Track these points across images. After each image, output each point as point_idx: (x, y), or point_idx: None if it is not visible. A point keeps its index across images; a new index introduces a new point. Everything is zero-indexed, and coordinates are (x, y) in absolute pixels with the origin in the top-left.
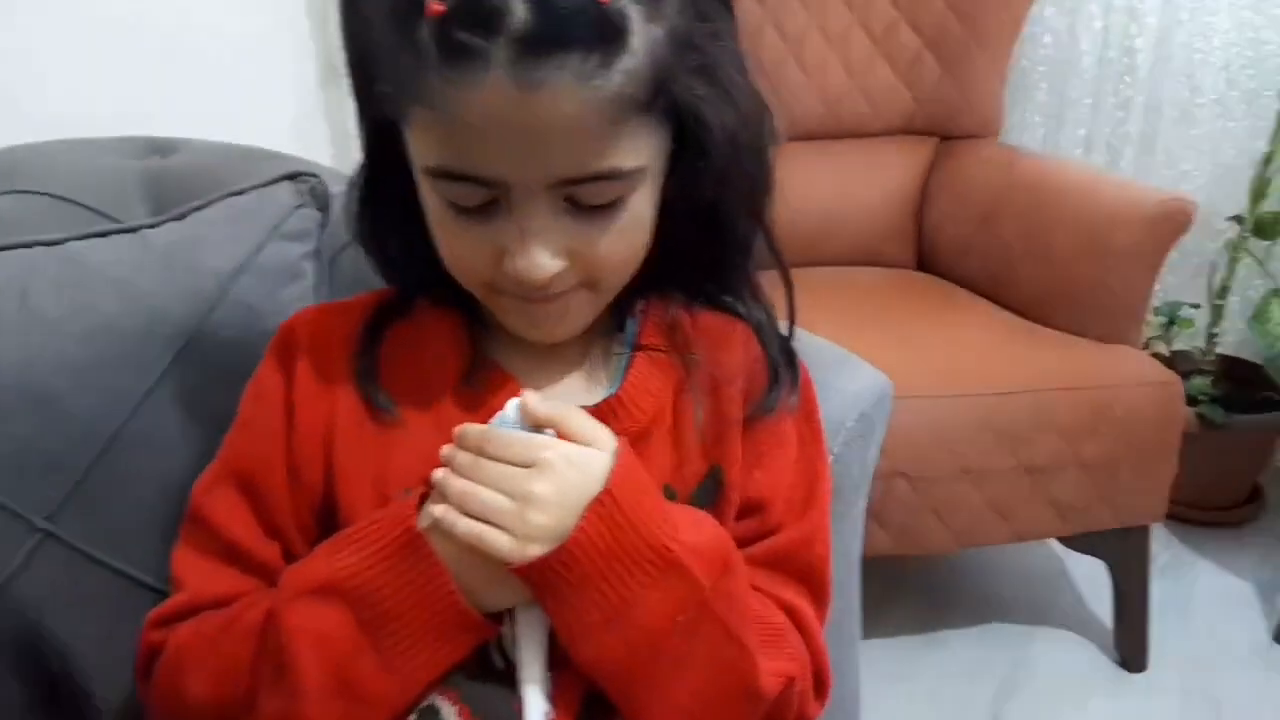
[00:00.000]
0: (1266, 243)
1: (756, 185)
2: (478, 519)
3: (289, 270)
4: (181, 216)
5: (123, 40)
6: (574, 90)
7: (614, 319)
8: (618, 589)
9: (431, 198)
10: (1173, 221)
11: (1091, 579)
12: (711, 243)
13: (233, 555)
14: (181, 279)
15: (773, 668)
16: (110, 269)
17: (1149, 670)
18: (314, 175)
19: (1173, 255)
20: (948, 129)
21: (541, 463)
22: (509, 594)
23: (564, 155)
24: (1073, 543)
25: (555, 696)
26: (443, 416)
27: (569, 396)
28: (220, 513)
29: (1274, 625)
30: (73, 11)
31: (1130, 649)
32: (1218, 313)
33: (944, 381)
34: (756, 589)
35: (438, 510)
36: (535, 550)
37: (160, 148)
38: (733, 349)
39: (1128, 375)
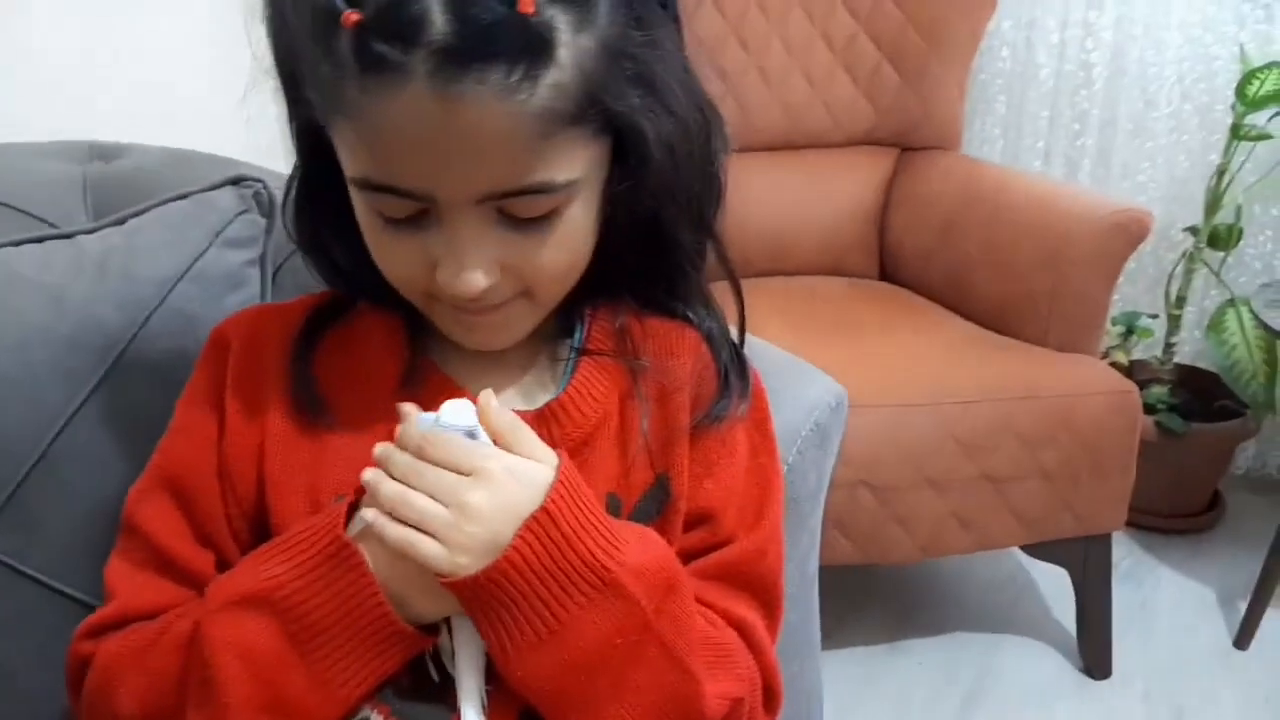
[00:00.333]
0: (1221, 254)
1: (702, 195)
2: (412, 525)
3: (231, 278)
4: (120, 222)
5: (70, 41)
6: (497, 104)
7: (562, 323)
8: (552, 608)
9: (361, 207)
10: (1128, 233)
11: (1055, 587)
12: (656, 252)
13: (165, 565)
14: (117, 287)
15: (718, 690)
16: (43, 276)
17: (1112, 677)
18: (258, 180)
19: (1130, 266)
20: (909, 140)
21: (482, 472)
22: (443, 604)
23: (489, 169)
24: (1035, 551)
25: (492, 711)
26: (379, 423)
27: (512, 401)
28: (152, 521)
29: (1235, 631)
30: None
31: (1093, 656)
32: (1175, 323)
33: (905, 391)
34: (707, 603)
35: (368, 515)
36: (465, 561)
37: (103, 152)
38: (682, 356)
39: (1086, 384)
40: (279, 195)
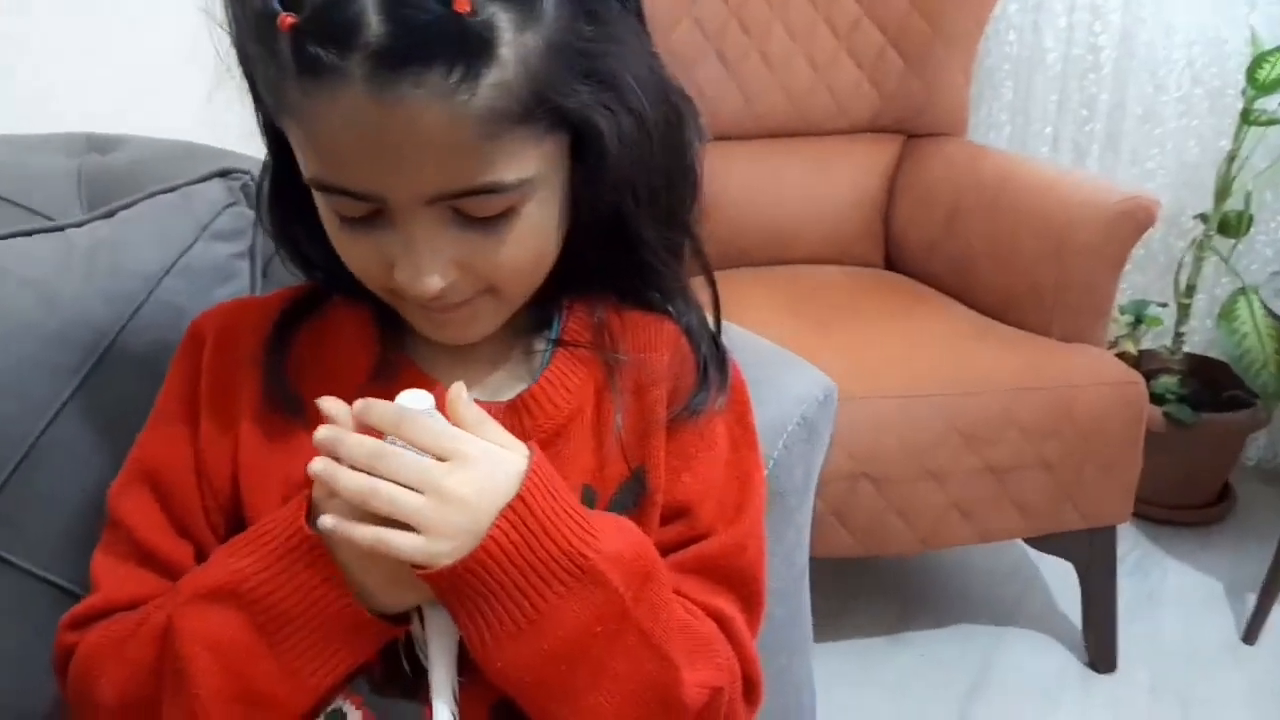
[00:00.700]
0: (1232, 241)
1: (671, 188)
2: (383, 516)
3: (220, 270)
4: (108, 215)
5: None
6: (437, 106)
7: (539, 315)
8: (531, 598)
9: (321, 205)
10: (1134, 220)
11: (1060, 579)
12: (623, 247)
13: (145, 557)
14: (104, 280)
15: (698, 679)
16: (31, 270)
17: (1118, 670)
18: (246, 172)
19: (1139, 254)
20: (914, 126)
21: (461, 456)
22: (413, 594)
23: (435, 171)
24: (1039, 543)
25: (463, 701)
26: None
27: (485, 393)
28: (132, 514)
29: (1243, 625)
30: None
31: (1099, 649)
32: (1184, 311)
33: (907, 382)
34: (686, 596)
35: (328, 522)
36: (445, 549)
37: (99, 145)
38: (660, 350)
39: (1091, 375)
40: None
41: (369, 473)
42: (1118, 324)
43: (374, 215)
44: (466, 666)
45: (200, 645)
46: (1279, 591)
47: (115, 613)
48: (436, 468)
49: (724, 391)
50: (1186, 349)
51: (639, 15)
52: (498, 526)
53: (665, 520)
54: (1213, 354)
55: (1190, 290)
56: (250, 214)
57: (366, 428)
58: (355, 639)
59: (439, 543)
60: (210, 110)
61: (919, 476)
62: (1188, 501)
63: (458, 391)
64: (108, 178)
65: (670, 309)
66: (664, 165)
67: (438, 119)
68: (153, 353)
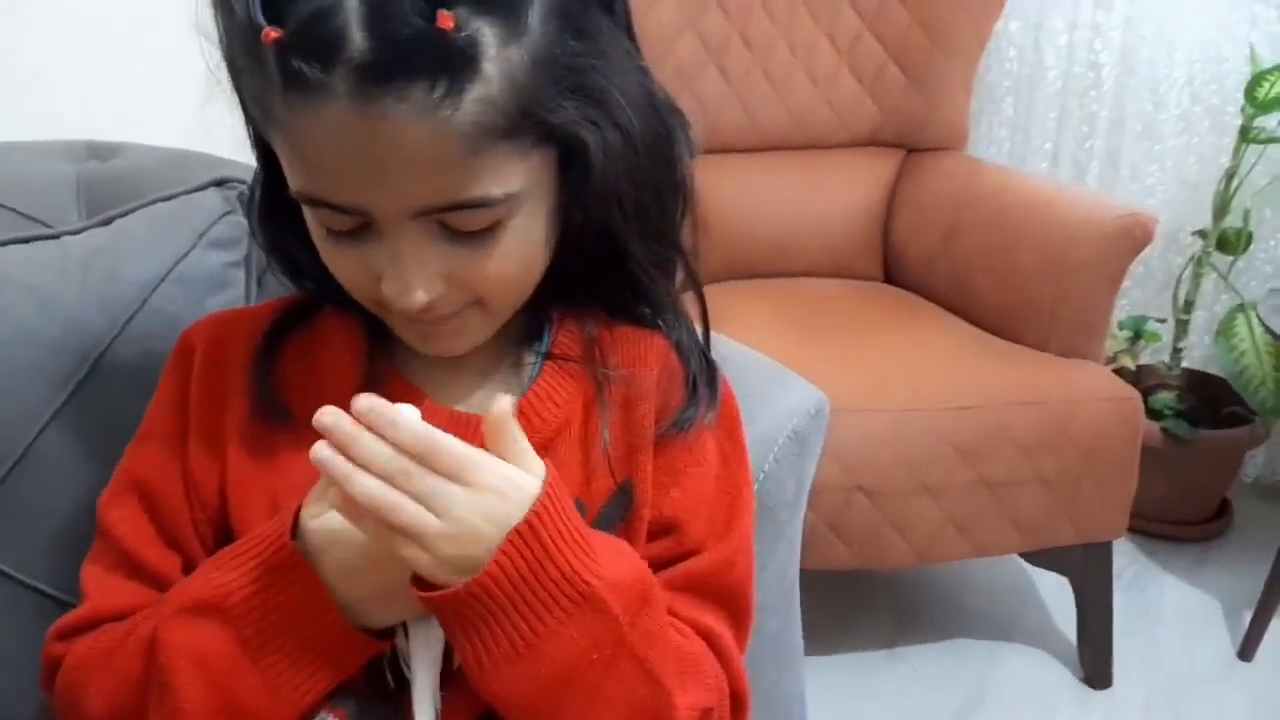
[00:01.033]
0: (1231, 257)
1: (659, 203)
2: (395, 528)
3: (215, 279)
4: (105, 223)
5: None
6: (420, 121)
7: (529, 327)
8: (531, 623)
9: (308, 217)
10: (1131, 237)
11: (1056, 595)
12: (611, 261)
13: (133, 568)
14: (100, 288)
15: (689, 701)
16: (26, 276)
17: (1113, 687)
18: (243, 181)
19: (1138, 270)
20: (914, 141)
21: (480, 486)
22: (398, 611)
23: (419, 186)
24: (1035, 559)
25: (446, 714)
26: None
27: (474, 404)
28: (121, 524)
29: (1239, 642)
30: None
31: (1094, 665)
32: (1183, 327)
33: (903, 396)
34: (676, 613)
35: (359, 525)
36: (450, 575)
37: (99, 152)
38: (649, 365)
39: (1087, 391)
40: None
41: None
42: (1116, 340)
43: (361, 228)
44: (449, 680)
45: (185, 659)
46: (1276, 607)
47: (104, 623)
48: (454, 494)
49: (713, 407)
50: (1185, 365)
51: (628, 31)
52: (503, 551)
53: (654, 535)
54: (1211, 370)
55: (1189, 306)
56: (245, 223)
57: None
58: (339, 654)
59: (445, 570)
60: (203, 120)
61: (914, 491)
62: (1185, 517)
63: (503, 409)
64: (106, 185)
65: (660, 323)
66: (652, 180)
67: (422, 134)
68: (146, 361)
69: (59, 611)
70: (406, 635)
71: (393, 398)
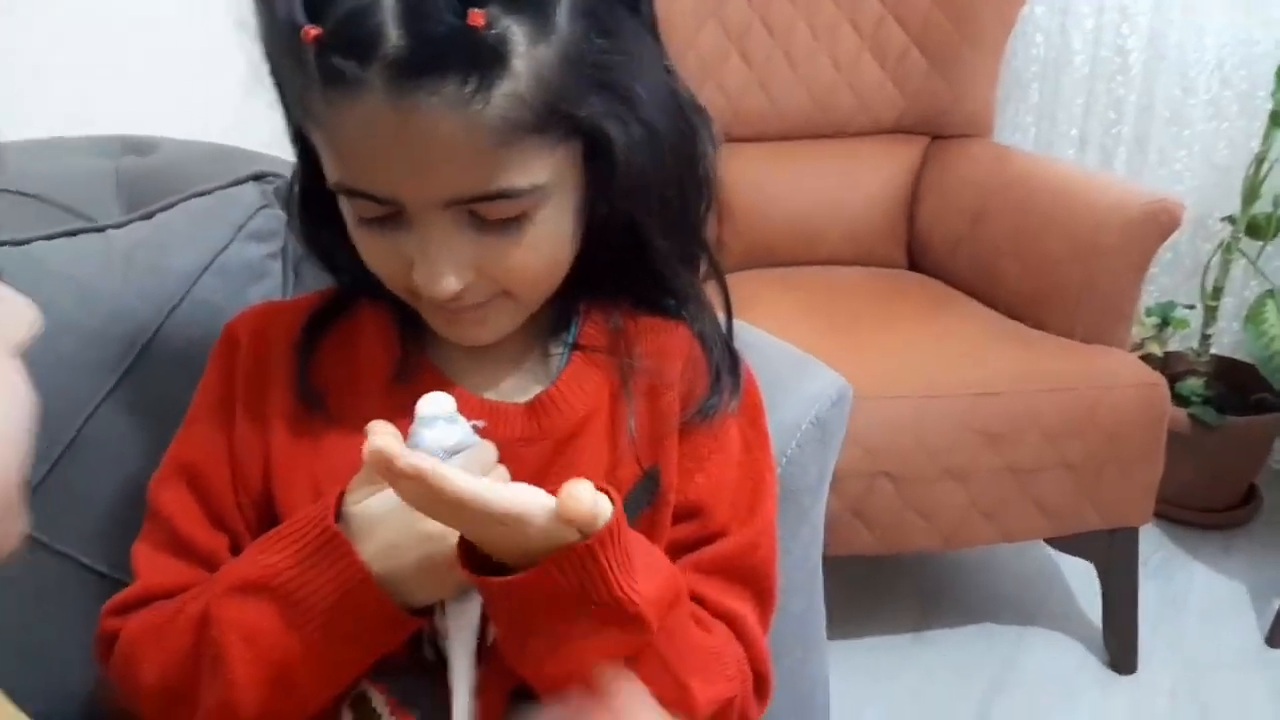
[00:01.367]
0: (1260, 243)
1: (683, 198)
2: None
3: (253, 270)
4: (147, 217)
5: (106, 37)
6: (452, 114)
7: (557, 318)
8: (572, 629)
9: (344, 208)
10: (1158, 223)
11: (1082, 580)
12: (637, 253)
13: (182, 547)
14: (144, 279)
15: (709, 695)
16: (73, 269)
17: (1138, 672)
18: (279, 175)
19: (1166, 256)
20: (939, 127)
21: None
22: (437, 591)
23: (450, 177)
24: (1061, 544)
25: (483, 691)
26: (372, 415)
27: (504, 393)
28: (170, 506)
29: (1266, 629)
30: (60, 10)
31: (1119, 650)
32: (1211, 314)
33: (927, 382)
34: (701, 596)
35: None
36: (517, 559)
37: (137, 147)
38: (673, 356)
39: (1112, 377)
40: None
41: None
42: (1144, 326)
43: (394, 218)
44: (484, 656)
45: (235, 635)
46: None
47: (154, 600)
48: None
49: (736, 395)
50: (1213, 351)
51: (653, 29)
52: (554, 562)
53: (679, 519)
54: (1240, 356)
55: (1217, 292)
56: (282, 216)
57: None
58: (380, 631)
59: (518, 555)
60: (241, 115)
61: (938, 476)
62: (1213, 504)
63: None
64: (144, 179)
65: (684, 314)
66: (676, 175)
67: (454, 126)
68: (189, 349)
69: (112, 589)
70: (444, 612)
71: (425, 386)
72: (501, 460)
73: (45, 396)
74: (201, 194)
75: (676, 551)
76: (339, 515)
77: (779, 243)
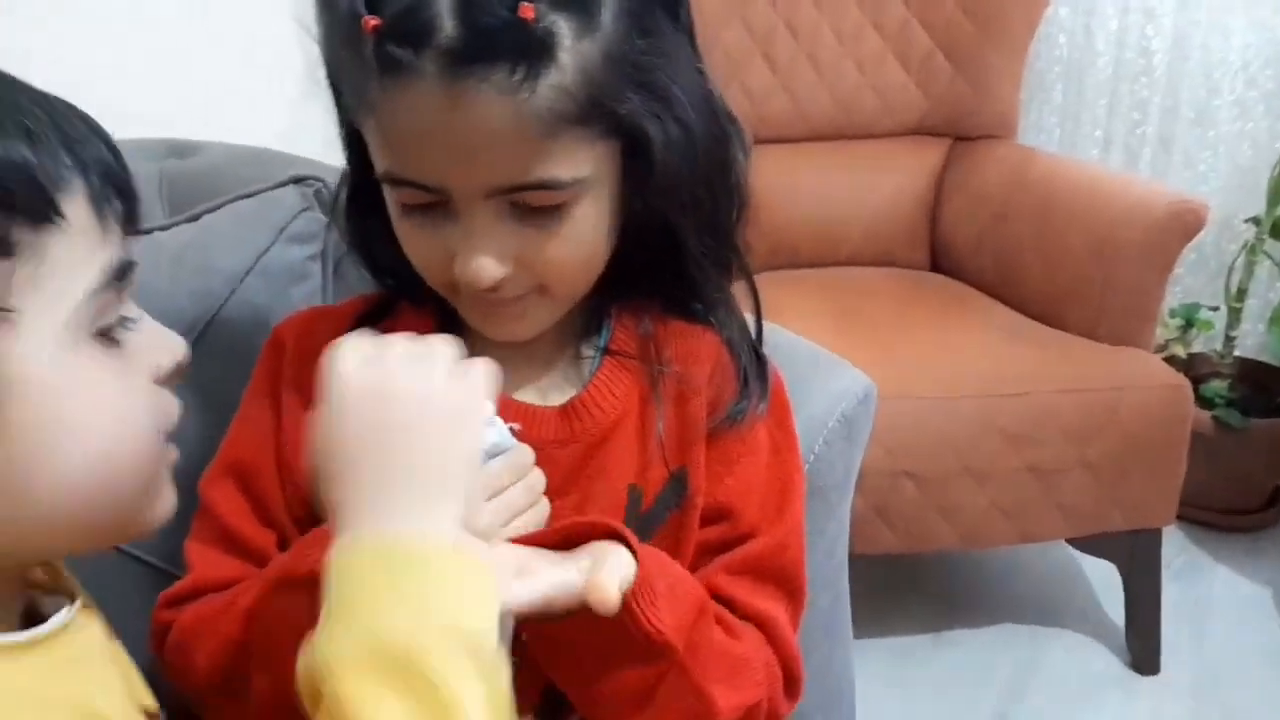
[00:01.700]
0: None
1: (715, 201)
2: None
3: (295, 272)
4: (194, 219)
5: (147, 39)
6: (499, 102)
7: (588, 322)
8: (600, 665)
9: (390, 200)
10: (1182, 224)
11: (1105, 581)
12: (670, 254)
13: (232, 543)
14: (191, 279)
15: (733, 702)
16: None
17: (1161, 674)
18: (319, 179)
19: (1190, 257)
20: (962, 129)
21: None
22: None
23: (496, 164)
24: (1083, 545)
25: (516, 685)
26: None
27: (538, 396)
28: (220, 503)
29: None
30: (101, 10)
31: (1142, 652)
32: (1235, 315)
33: (949, 382)
34: (731, 597)
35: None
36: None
37: (179, 150)
38: (702, 361)
39: (1135, 378)
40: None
41: None
42: (1167, 328)
43: (438, 208)
44: (517, 654)
45: (284, 627)
46: None
47: (206, 593)
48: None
49: (764, 401)
50: (1237, 353)
51: (690, 35)
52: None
53: (708, 521)
54: (1264, 359)
55: (1241, 294)
56: (322, 218)
57: None
58: None
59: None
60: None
61: (960, 475)
62: (1236, 507)
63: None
64: (187, 181)
65: (712, 319)
66: (709, 178)
67: (502, 113)
68: (235, 346)
69: (166, 582)
70: None
71: None
72: (536, 463)
73: None
74: (244, 197)
75: (706, 553)
76: None
77: (802, 244)
